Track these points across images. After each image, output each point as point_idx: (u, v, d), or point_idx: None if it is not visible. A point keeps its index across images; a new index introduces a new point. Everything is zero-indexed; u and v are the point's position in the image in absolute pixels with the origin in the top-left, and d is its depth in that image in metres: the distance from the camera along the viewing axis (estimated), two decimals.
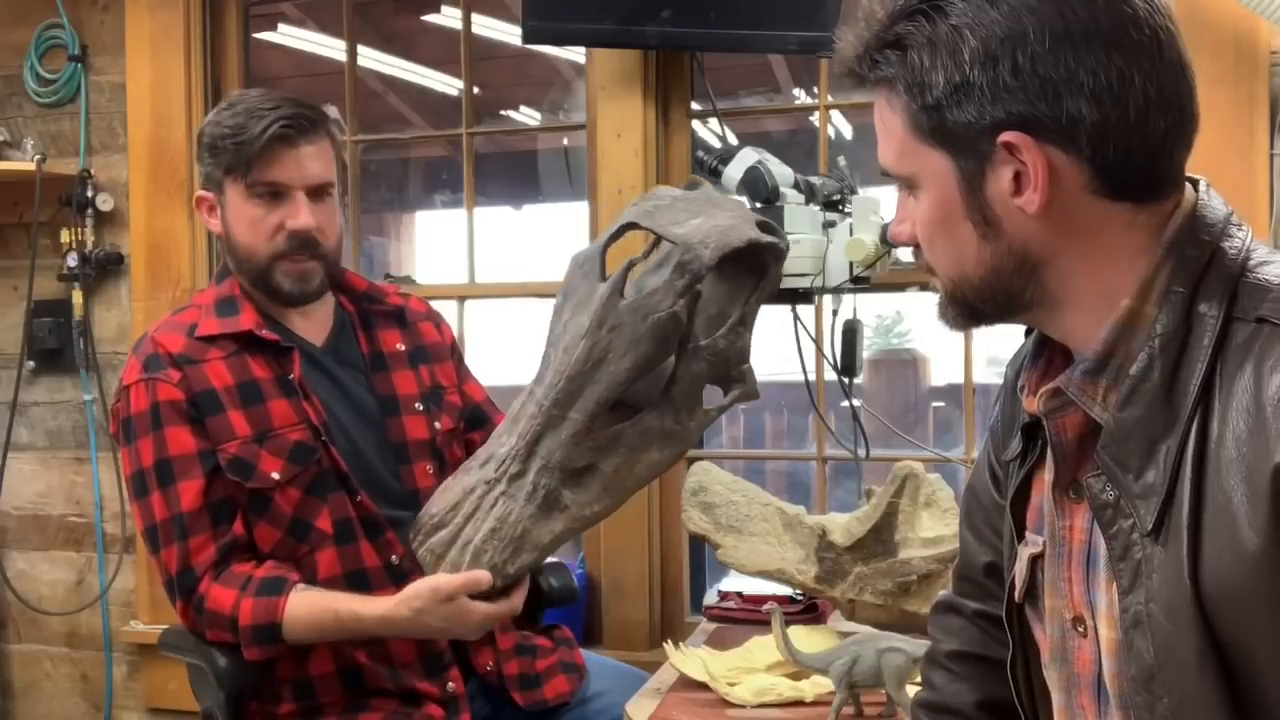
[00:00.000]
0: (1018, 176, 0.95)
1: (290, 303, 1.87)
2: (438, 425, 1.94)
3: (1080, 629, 1.05)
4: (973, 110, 0.95)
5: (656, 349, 1.45)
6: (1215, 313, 0.95)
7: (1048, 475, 1.09)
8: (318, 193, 1.83)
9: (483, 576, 1.59)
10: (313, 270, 1.84)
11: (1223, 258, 0.97)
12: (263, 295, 1.86)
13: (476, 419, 2.03)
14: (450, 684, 1.82)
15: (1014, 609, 1.15)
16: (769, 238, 1.52)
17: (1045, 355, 1.08)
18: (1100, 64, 0.92)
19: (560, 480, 1.49)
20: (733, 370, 1.53)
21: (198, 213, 1.89)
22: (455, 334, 2.21)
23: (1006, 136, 0.94)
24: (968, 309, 1.04)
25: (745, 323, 1.52)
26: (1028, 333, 1.20)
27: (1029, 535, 1.12)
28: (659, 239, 1.54)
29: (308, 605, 1.71)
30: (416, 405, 1.93)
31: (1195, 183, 1.02)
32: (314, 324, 1.92)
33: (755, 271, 1.52)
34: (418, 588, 1.66)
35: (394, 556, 1.81)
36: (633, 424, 1.49)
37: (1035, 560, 1.10)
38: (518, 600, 1.67)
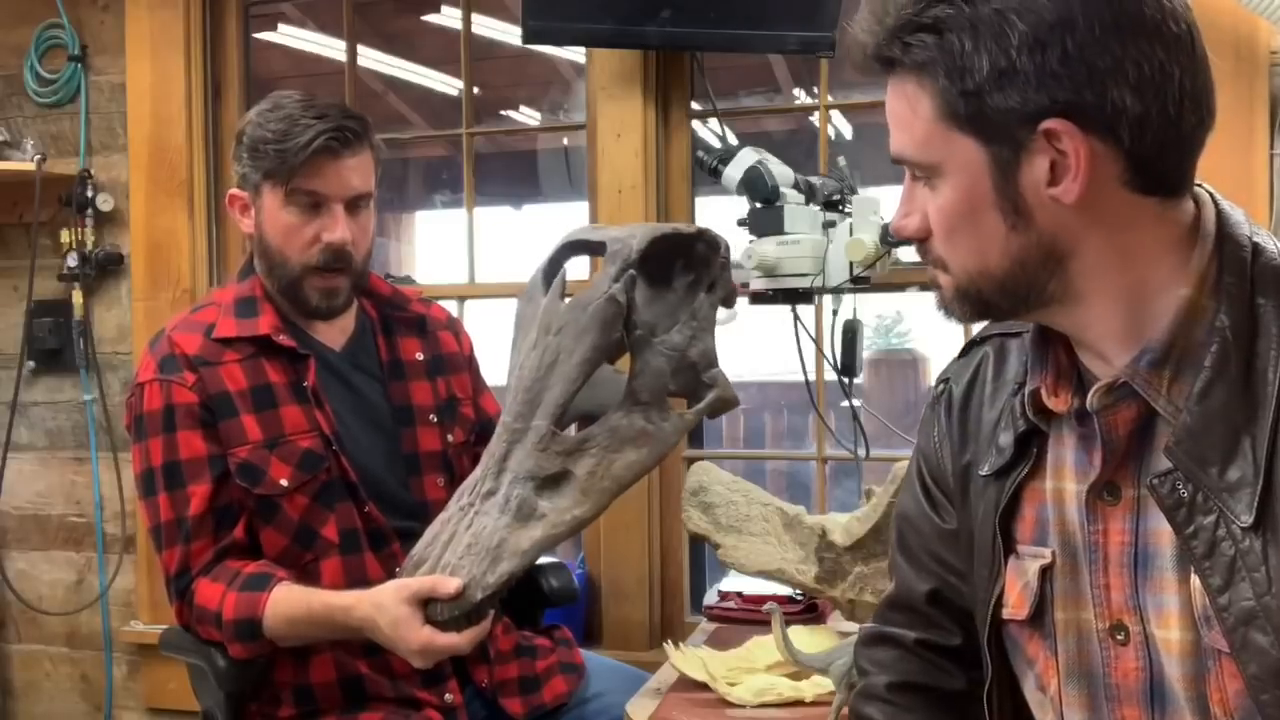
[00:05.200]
0: (1053, 165, 0.94)
1: (315, 316, 1.87)
2: (450, 438, 1.93)
3: (1119, 637, 1.03)
4: (1016, 96, 0.93)
5: (602, 336, 1.46)
6: (1276, 304, 0.95)
7: (1049, 482, 1.07)
8: (354, 204, 1.82)
9: (451, 581, 1.51)
10: (341, 287, 1.84)
11: (1263, 252, 0.98)
12: (287, 303, 1.86)
13: (486, 434, 2.03)
14: (448, 695, 1.82)
15: (994, 631, 1.12)
16: (695, 228, 1.54)
17: (1052, 355, 1.07)
18: (1144, 55, 0.92)
19: (534, 489, 1.48)
20: (702, 375, 1.53)
21: (229, 210, 1.87)
22: (471, 340, 2.18)
23: (1049, 124, 0.93)
24: (980, 303, 1.03)
25: (699, 322, 1.53)
26: (969, 347, 1.18)
27: (1023, 549, 1.10)
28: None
29: (287, 599, 1.70)
30: (431, 417, 1.92)
31: (1199, 185, 1.02)
32: (335, 328, 1.91)
33: (702, 275, 1.54)
34: (388, 583, 1.63)
35: (398, 569, 1.81)
36: (600, 424, 1.49)
37: (1045, 572, 1.08)
38: (465, 639, 1.56)
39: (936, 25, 0.95)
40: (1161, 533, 0.99)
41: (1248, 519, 0.93)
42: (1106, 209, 0.96)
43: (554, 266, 1.56)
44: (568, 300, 1.49)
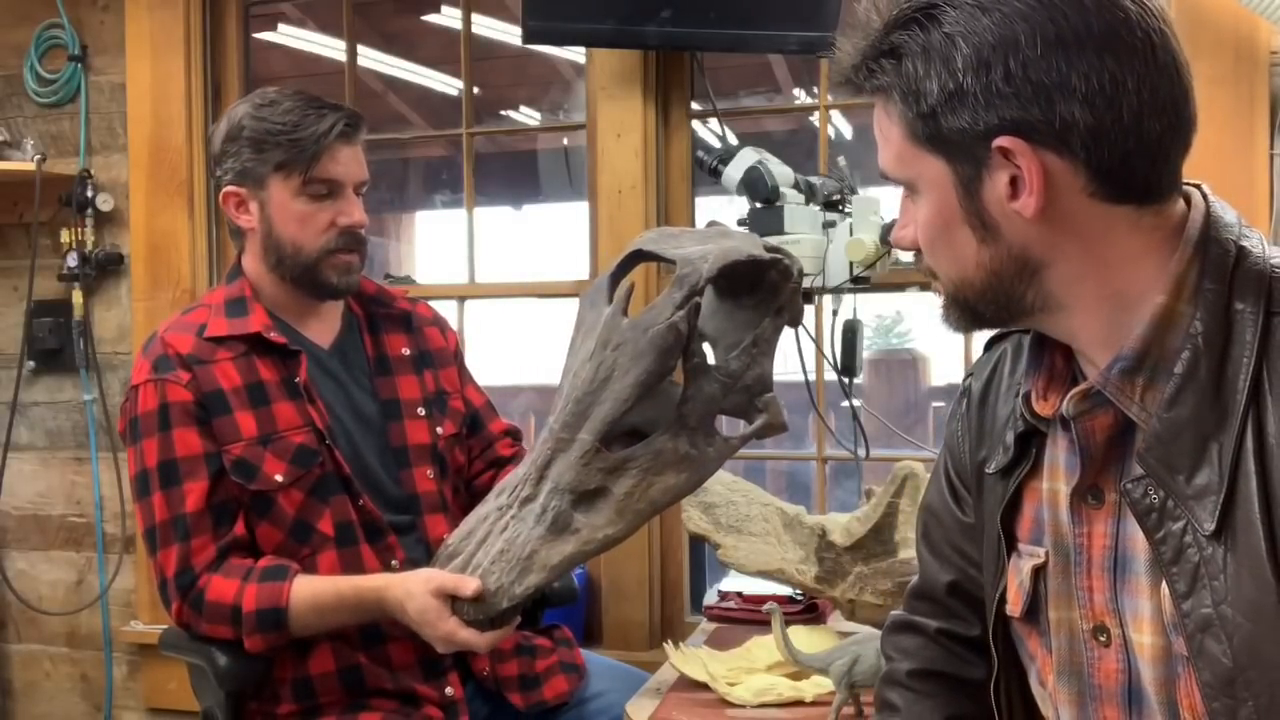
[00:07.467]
0: (1014, 181, 0.96)
1: (334, 295, 1.89)
2: (439, 430, 1.94)
3: (1102, 639, 1.04)
4: (967, 117, 0.95)
5: (658, 363, 1.46)
6: (1253, 309, 0.95)
7: (1045, 483, 1.08)
8: (358, 189, 1.87)
9: (471, 583, 1.55)
10: (355, 264, 1.88)
11: (1248, 256, 0.97)
12: (303, 290, 1.87)
13: (476, 424, 2.04)
14: (449, 689, 1.83)
15: (1000, 625, 1.14)
16: (772, 255, 1.52)
17: (1047, 359, 1.07)
18: (1093, 68, 0.92)
19: (571, 503, 1.49)
20: (755, 400, 1.53)
21: (224, 208, 1.88)
22: (457, 335, 2.21)
23: (1001, 141, 0.94)
24: (970, 312, 1.04)
25: (760, 347, 1.52)
26: (991, 343, 1.19)
27: (1023, 547, 1.11)
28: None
29: (312, 585, 1.73)
30: (419, 410, 1.93)
31: (1195, 186, 1.02)
32: (322, 326, 1.92)
33: (770, 299, 1.53)
34: (419, 571, 1.68)
35: (395, 561, 1.81)
36: (644, 445, 1.49)
37: (1038, 571, 1.09)
38: (485, 641, 1.61)
39: (895, 51, 0.98)
40: (1138, 538, 1.00)
41: (1210, 526, 0.93)
42: (1074, 220, 0.96)
43: (620, 272, 1.55)
44: (628, 319, 1.47)
